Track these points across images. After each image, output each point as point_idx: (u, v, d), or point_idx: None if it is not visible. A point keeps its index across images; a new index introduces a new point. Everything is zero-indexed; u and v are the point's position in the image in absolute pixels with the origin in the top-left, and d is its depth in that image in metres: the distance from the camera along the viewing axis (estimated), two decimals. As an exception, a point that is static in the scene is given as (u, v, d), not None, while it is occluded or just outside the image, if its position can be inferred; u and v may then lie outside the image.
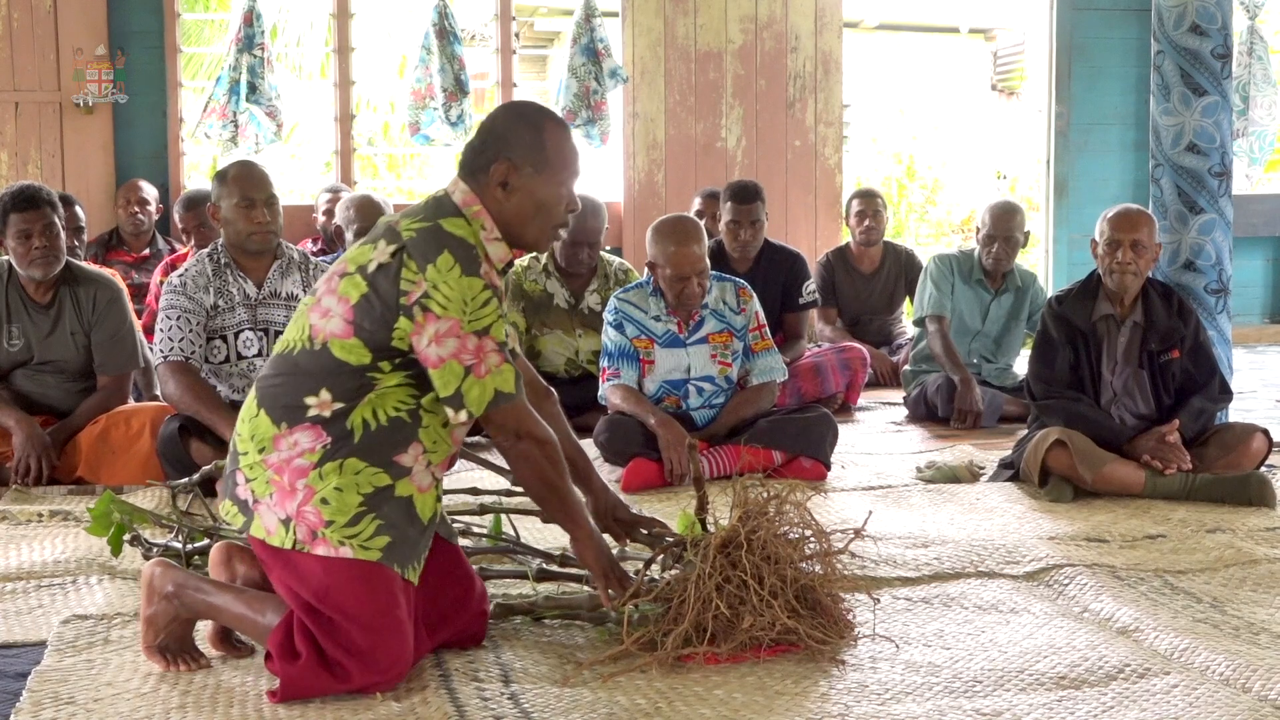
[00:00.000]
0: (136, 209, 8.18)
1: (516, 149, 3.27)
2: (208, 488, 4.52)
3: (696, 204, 8.45)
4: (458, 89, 8.98)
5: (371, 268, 3.17)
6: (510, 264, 3.41)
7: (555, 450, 3.28)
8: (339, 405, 3.16)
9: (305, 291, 5.33)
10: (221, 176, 5.30)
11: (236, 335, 5.28)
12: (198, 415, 5.08)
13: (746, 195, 7.09)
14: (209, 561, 3.53)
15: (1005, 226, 6.89)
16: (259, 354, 5.29)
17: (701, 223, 5.69)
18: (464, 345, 3.12)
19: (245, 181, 5.24)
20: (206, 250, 5.37)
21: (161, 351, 5.19)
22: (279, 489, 3.16)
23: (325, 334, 3.18)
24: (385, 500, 3.17)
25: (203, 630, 3.42)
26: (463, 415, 3.15)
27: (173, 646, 3.31)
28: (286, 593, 3.16)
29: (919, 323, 7.13)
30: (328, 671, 3.08)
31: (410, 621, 3.18)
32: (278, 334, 5.29)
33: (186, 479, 4.43)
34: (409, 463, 3.21)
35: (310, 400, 3.17)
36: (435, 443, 3.26)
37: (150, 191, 8.31)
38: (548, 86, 15.26)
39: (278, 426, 3.18)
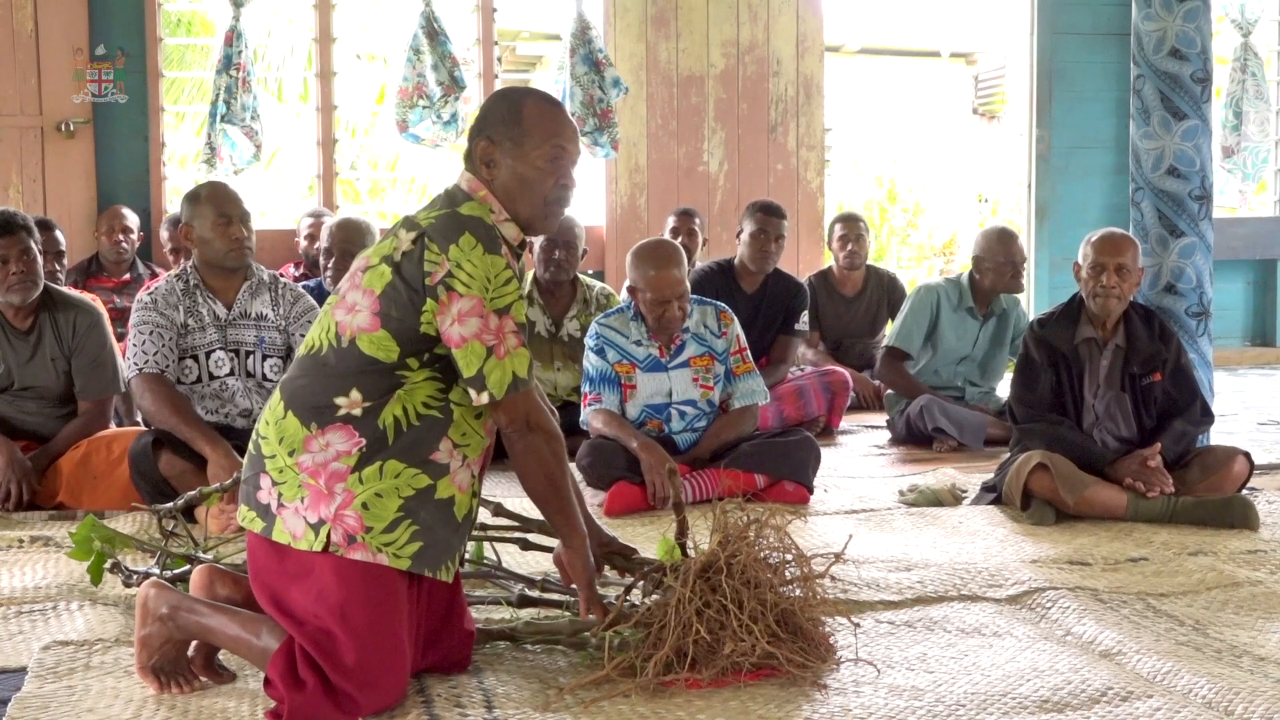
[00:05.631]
0: (120, 237, 8.07)
1: (493, 125, 3.30)
2: (188, 513, 4.49)
3: (671, 222, 8.45)
4: (453, 84, 8.87)
5: (397, 256, 3.19)
6: (524, 244, 3.42)
7: (562, 447, 3.31)
8: (369, 404, 3.16)
9: (274, 312, 5.35)
10: (194, 197, 5.31)
11: (208, 355, 5.27)
12: (175, 429, 5.05)
13: (776, 210, 7.17)
14: (190, 585, 3.51)
15: (1020, 250, 6.93)
16: (230, 374, 5.28)
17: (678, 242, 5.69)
18: (486, 324, 3.16)
19: (220, 199, 5.26)
20: (176, 272, 5.38)
21: (135, 364, 5.15)
22: (313, 492, 3.14)
23: (353, 329, 3.18)
24: (424, 504, 3.17)
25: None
26: (484, 397, 3.16)
27: (167, 668, 3.30)
28: (281, 614, 3.13)
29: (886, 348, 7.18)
30: (333, 701, 3.07)
31: (409, 641, 3.18)
32: (249, 354, 5.31)
33: (170, 504, 4.37)
34: (444, 459, 3.21)
35: (340, 400, 3.17)
36: (465, 435, 3.25)
37: (133, 219, 8.23)
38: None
39: (308, 428, 3.17)
